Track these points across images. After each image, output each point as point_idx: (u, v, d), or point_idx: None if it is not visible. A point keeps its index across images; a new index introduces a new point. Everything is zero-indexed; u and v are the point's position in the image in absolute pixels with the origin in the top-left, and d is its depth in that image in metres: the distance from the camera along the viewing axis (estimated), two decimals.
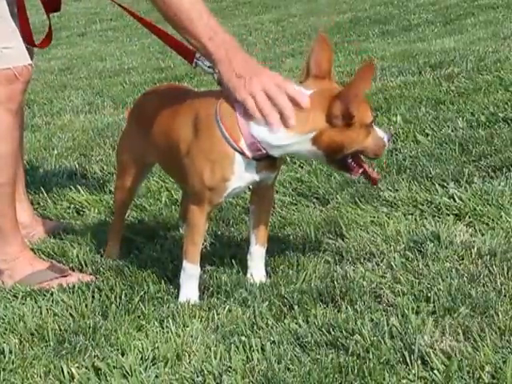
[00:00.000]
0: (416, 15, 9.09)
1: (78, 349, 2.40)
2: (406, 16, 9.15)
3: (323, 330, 2.33)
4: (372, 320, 2.36)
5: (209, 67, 2.66)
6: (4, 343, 2.50)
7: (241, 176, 2.55)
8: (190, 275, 2.67)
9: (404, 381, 2.08)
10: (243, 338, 2.34)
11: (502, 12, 8.10)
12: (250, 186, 2.73)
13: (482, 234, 2.89)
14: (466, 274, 2.56)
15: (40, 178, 4.26)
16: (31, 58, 3.16)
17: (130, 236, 3.27)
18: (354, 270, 2.70)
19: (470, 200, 3.16)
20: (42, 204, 3.87)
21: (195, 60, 2.71)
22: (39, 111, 6.35)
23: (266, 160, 2.55)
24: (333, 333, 2.31)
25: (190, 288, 2.67)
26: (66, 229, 3.50)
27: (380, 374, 2.09)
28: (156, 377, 2.23)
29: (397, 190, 3.38)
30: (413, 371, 2.10)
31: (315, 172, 3.77)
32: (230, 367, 2.22)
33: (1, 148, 2.91)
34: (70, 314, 2.65)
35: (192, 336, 2.40)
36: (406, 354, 2.16)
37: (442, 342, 2.20)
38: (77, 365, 2.32)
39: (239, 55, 2.57)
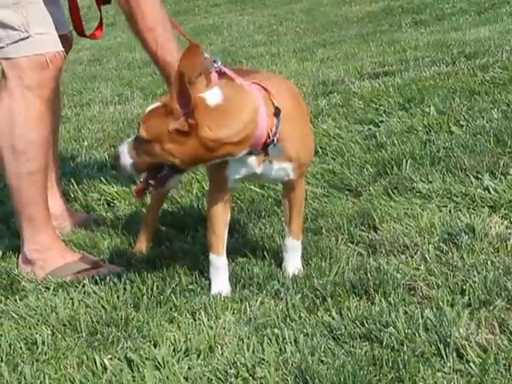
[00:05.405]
0: (450, 4, 9.00)
1: (110, 340, 2.40)
2: (440, 5, 9.07)
3: (357, 322, 2.31)
4: (406, 313, 2.33)
5: None
6: (37, 334, 2.51)
7: (236, 167, 2.54)
8: (217, 267, 2.65)
9: (439, 373, 2.05)
10: (276, 331, 2.33)
11: None
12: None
13: None
14: (501, 267, 2.52)
15: (70, 170, 4.27)
16: (70, 49, 3.17)
17: (161, 228, 3.27)
18: (387, 263, 2.67)
19: (505, 192, 3.11)
20: (72, 195, 3.88)
21: None
22: (68, 102, 6.37)
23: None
24: (366, 325, 2.28)
25: (219, 280, 2.66)
26: (97, 220, 3.50)
27: (415, 367, 2.06)
28: (189, 368, 2.22)
29: (431, 182, 3.34)
30: (448, 364, 2.07)
31: (347, 163, 3.74)
32: (263, 359, 2.21)
33: (32, 135, 2.91)
34: (102, 306, 2.65)
35: (224, 328, 2.39)
36: (441, 346, 2.13)
37: (477, 334, 2.16)
38: (109, 356, 2.32)
39: None
